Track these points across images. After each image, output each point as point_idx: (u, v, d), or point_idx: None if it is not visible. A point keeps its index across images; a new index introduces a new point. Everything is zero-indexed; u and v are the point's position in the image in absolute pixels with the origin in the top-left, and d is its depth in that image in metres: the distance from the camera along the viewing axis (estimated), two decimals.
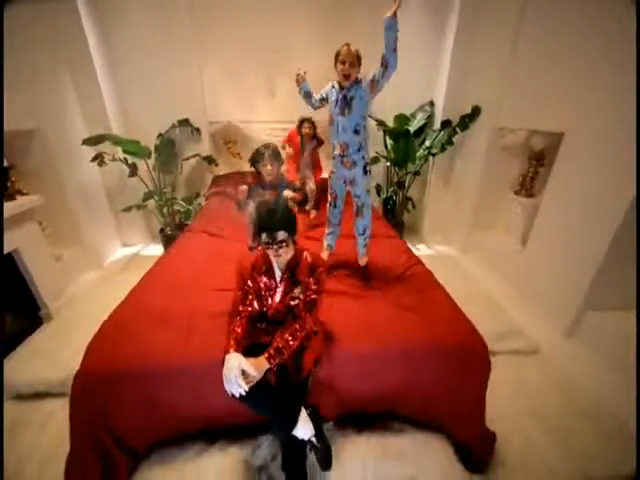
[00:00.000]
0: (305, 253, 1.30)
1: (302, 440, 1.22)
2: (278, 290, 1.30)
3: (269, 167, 1.93)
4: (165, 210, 3.52)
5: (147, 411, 1.30)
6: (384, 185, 3.80)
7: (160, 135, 3.37)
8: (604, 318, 2.11)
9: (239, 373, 1.10)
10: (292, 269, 1.28)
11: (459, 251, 3.46)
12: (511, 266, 2.81)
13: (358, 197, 1.82)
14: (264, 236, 1.18)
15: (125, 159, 3.11)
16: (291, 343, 1.21)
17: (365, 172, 1.74)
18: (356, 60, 1.58)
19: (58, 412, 1.74)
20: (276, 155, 1.97)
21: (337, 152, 1.72)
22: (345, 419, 1.49)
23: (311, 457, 1.32)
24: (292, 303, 1.30)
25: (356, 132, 1.64)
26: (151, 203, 3.43)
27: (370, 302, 1.60)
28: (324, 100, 1.77)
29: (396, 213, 3.73)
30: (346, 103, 1.60)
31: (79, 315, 2.38)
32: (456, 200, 3.47)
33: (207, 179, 3.77)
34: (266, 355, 1.17)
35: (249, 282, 1.30)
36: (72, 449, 1.30)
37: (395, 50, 1.52)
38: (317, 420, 1.22)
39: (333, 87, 1.68)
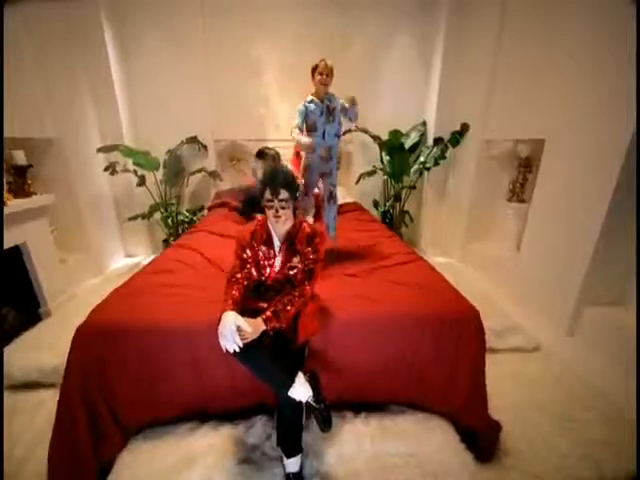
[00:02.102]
0: (304, 224, 1.34)
1: (299, 407, 1.20)
2: (277, 259, 1.32)
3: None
4: (170, 221, 3.63)
5: (145, 375, 1.30)
6: (381, 199, 3.95)
7: (169, 151, 3.59)
8: (602, 314, 2.11)
9: (234, 329, 1.10)
10: (291, 239, 1.31)
11: (457, 261, 3.50)
12: (508, 270, 2.84)
13: (333, 186, 2.10)
14: (267, 193, 1.22)
15: (135, 170, 3.29)
16: (289, 308, 1.22)
17: (337, 167, 2.07)
18: (331, 72, 1.84)
19: (49, 402, 1.72)
20: (276, 157, 2.14)
21: (321, 153, 1.96)
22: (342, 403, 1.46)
23: (305, 436, 1.29)
24: (291, 273, 1.32)
25: (337, 135, 1.95)
26: (156, 214, 3.56)
27: (363, 280, 1.63)
28: (304, 116, 1.92)
29: (394, 226, 3.82)
30: (329, 112, 1.89)
31: (78, 313, 2.34)
32: (451, 212, 3.59)
33: (211, 194, 3.92)
34: (263, 317, 1.18)
35: (248, 251, 1.32)
36: (60, 418, 1.26)
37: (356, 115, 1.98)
38: (316, 384, 1.21)
39: (311, 102, 1.89)
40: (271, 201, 1.23)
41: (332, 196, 2.10)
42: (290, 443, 1.23)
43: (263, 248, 1.33)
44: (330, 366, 1.36)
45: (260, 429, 1.38)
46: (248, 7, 3.38)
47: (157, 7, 3.26)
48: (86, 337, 1.28)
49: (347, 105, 1.91)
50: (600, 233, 2.02)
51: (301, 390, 1.16)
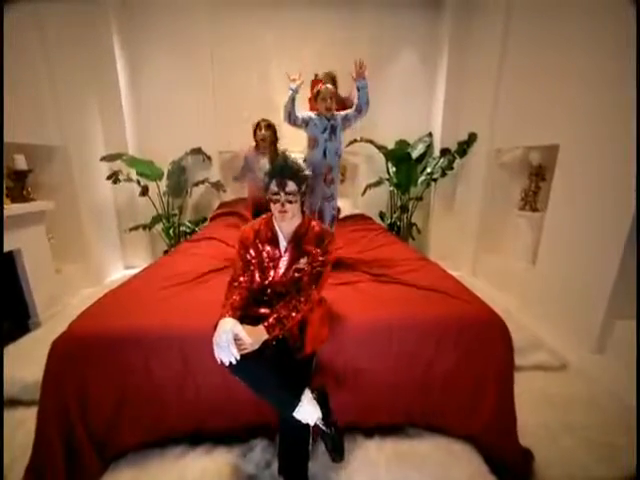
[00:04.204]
0: (313, 222, 1.24)
1: (305, 430, 1.04)
2: (282, 261, 1.20)
3: (263, 132, 2.41)
4: (171, 232, 3.55)
5: (129, 392, 1.15)
6: (388, 210, 3.85)
7: (173, 161, 3.56)
8: (634, 328, 1.93)
9: (231, 338, 0.97)
10: (298, 238, 1.20)
11: (469, 275, 3.34)
12: (523, 283, 2.69)
13: (334, 209, 2.05)
14: (273, 185, 1.12)
15: (137, 180, 3.24)
16: (293, 315, 1.09)
17: (342, 178, 2.05)
18: (334, 95, 1.87)
19: (28, 421, 1.56)
20: (269, 125, 2.47)
21: (323, 171, 1.92)
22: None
23: (311, 465, 1.12)
24: (297, 275, 1.20)
25: (337, 154, 1.92)
26: (158, 225, 3.48)
27: (375, 285, 1.51)
28: (304, 122, 1.90)
29: (401, 238, 3.70)
30: (332, 131, 1.87)
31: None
32: (460, 224, 3.47)
33: (214, 205, 3.85)
34: (265, 324, 1.05)
35: (251, 251, 1.21)
36: (37, 441, 1.13)
37: (367, 102, 1.84)
38: (325, 402, 1.05)
39: (318, 117, 1.90)
40: (277, 194, 1.12)
41: (333, 220, 2.08)
42: (294, 473, 1.07)
43: (267, 248, 1.21)
44: (340, 380, 1.21)
45: (259, 454, 1.22)
46: (253, 16, 3.45)
47: (166, 16, 3.32)
48: (64, 351, 1.15)
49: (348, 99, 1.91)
50: (626, 241, 1.89)
51: (309, 410, 1.01)
